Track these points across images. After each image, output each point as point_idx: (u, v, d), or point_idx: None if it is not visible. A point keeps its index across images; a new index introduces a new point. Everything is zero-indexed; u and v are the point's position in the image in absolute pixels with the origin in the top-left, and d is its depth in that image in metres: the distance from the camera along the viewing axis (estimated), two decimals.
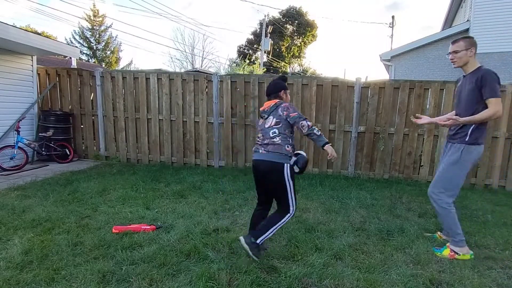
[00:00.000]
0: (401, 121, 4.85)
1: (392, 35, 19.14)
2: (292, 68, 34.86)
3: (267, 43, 21.19)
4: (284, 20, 32.18)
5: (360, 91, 4.89)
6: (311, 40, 34.73)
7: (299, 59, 35.53)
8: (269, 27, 23.36)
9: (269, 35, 22.40)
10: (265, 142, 2.19)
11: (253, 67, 18.32)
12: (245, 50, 32.95)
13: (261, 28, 31.54)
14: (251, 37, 33.90)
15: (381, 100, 4.89)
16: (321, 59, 51.56)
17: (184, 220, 2.95)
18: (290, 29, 32.62)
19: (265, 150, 2.17)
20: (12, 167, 4.83)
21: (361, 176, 5.05)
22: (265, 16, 22.50)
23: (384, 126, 4.91)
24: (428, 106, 4.80)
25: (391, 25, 19.12)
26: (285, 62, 32.42)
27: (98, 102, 5.59)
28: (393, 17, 41.67)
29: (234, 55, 34.02)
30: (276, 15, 32.22)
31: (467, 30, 9.55)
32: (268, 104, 2.29)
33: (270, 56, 25.81)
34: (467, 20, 9.72)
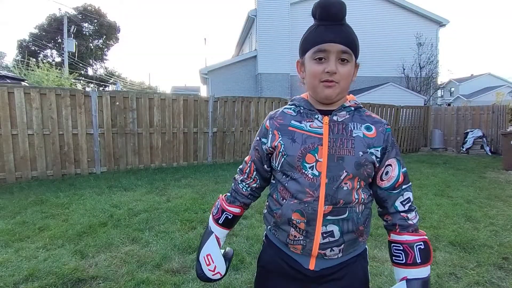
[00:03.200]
0: (238, 123, 7.40)
1: (206, 53, 22.56)
2: (95, 71, 32.39)
3: (71, 43, 19.30)
4: (81, 18, 29.33)
5: (213, 104, 7.04)
6: (114, 42, 33.55)
7: (101, 62, 33.42)
8: (73, 27, 21.16)
9: (72, 35, 20.35)
10: None
11: (58, 74, 16.00)
12: (31, 47, 27.55)
13: (50, 23, 27.42)
14: (36, 31, 28.67)
15: (225, 109, 7.24)
16: (126, 62, 49.98)
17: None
18: (91, 29, 30.19)
19: None
20: None
21: (217, 162, 7.24)
22: (65, 13, 20.13)
23: (229, 127, 7.30)
24: (252, 113, 7.60)
25: (205, 43, 22.45)
26: (87, 64, 29.78)
27: None
28: (205, 39, 46.74)
29: (13, 50, 27.52)
30: (71, 11, 28.88)
31: (255, 56, 13.76)
32: None
33: (76, 58, 23.24)
34: (255, 49, 13.97)
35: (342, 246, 0.87)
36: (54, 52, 30.01)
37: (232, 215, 1.04)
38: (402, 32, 14.55)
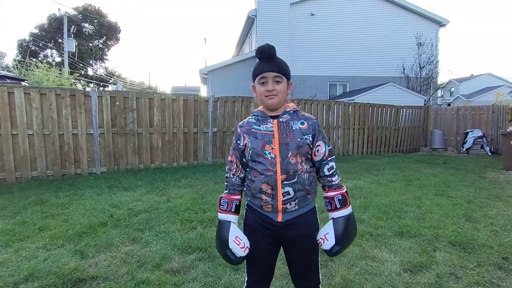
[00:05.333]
0: (238, 123, 7.39)
1: (206, 53, 22.56)
2: (95, 71, 32.39)
3: (71, 44, 19.30)
4: (81, 18, 29.33)
5: (213, 104, 7.04)
6: (114, 42, 33.55)
7: (101, 62, 33.43)
8: (73, 27, 21.15)
9: (72, 35, 20.35)
10: None
11: (58, 74, 16.10)
12: (31, 47, 27.55)
13: (50, 23, 27.43)
14: (37, 31, 28.67)
15: (225, 109, 7.23)
16: (126, 62, 50.05)
17: None
18: (91, 29, 30.19)
19: None
20: None
21: (217, 162, 7.23)
22: (65, 13, 20.13)
23: (229, 127, 7.30)
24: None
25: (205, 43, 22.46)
26: (87, 64, 29.77)
27: None
28: (205, 39, 46.73)
29: (13, 50, 27.55)
30: (71, 11, 28.87)
31: (255, 56, 13.74)
32: None
33: (76, 58, 23.24)
34: (255, 49, 13.96)
35: (296, 200, 1.32)
36: (54, 52, 30.00)
37: (238, 202, 1.44)
38: (402, 32, 14.54)
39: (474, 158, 8.69)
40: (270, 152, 1.31)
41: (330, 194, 1.36)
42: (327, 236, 1.32)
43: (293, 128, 1.34)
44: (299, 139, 1.32)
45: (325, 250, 1.34)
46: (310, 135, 1.35)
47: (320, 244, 1.35)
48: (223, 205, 1.41)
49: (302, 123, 1.36)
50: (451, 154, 9.71)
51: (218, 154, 7.25)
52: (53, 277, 2.27)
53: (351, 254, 2.67)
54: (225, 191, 1.47)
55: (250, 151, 1.35)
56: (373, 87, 12.46)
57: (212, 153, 7.19)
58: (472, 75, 42.99)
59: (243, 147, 1.39)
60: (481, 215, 3.67)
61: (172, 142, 6.67)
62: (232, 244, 1.33)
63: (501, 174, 6.33)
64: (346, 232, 1.33)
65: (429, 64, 13.85)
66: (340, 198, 1.35)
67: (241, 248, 1.34)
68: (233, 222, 1.39)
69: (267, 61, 1.33)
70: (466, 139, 9.86)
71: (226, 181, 1.48)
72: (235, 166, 1.45)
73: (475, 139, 9.65)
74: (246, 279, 1.49)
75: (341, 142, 8.93)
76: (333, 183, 1.38)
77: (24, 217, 3.52)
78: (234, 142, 1.44)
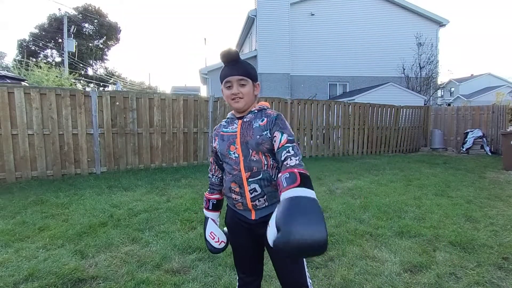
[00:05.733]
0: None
1: (206, 53, 22.59)
2: (95, 71, 32.40)
3: (71, 44, 19.30)
4: (81, 18, 29.34)
5: (213, 104, 7.03)
6: (114, 42, 33.55)
7: (101, 62, 33.43)
8: (73, 27, 21.15)
9: (72, 35, 20.35)
10: None
11: (58, 73, 16.11)
12: (31, 47, 27.56)
13: (50, 23, 27.44)
14: (37, 31, 28.69)
15: (225, 109, 7.23)
16: (126, 62, 50.09)
17: None
18: (91, 29, 30.19)
19: None
20: None
21: None
22: (65, 13, 20.12)
23: None
24: None
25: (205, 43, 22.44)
26: (87, 64, 29.78)
27: None
28: (205, 39, 46.76)
29: (13, 50, 27.58)
30: (71, 11, 28.89)
31: (255, 56, 13.75)
32: None
33: (76, 58, 23.24)
34: (255, 49, 13.96)
35: (265, 197, 1.32)
36: (54, 52, 29.99)
37: (216, 200, 1.56)
38: (402, 32, 14.55)
39: (474, 158, 8.69)
40: (234, 152, 1.35)
41: (279, 175, 1.10)
42: (270, 223, 1.04)
43: (254, 126, 1.34)
44: (258, 136, 1.32)
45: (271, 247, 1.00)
46: (268, 130, 1.32)
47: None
48: (204, 203, 1.59)
49: (262, 120, 1.35)
50: (451, 154, 9.71)
51: None
52: (53, 277, 2.27)
53: (351, 254, 2.68)
54: (208, 189, 1.60)
55: (219, 153, 1.42)
56: (373, 87, 12.47)
57: None
58: (472, 75, 42.99)
59: (215, 149, 1.46)
60: (481, 215, 3.67)
61: (172, 142, 6.68)
62: (208, 238, 1.51)
63: (501, 174, 6.33)
64: (290, 215, 0.92)
65: (429, 64, 13.85)
66: (287, 176, 1.06)
67: (216, 242, 1.50)
68: (211, 219, 1.54)
69: (231, 65, 1.35)
70: (466, 139, 9.86)
71: (208, 181, 1.60)
72: (213, 167, 1.55)
73: (475, 139, 9.65)
74: (237, 277, 1.57)
75: (341, 142, 8.93)
76: (288, 165, 1.13)
77: (24, 217, 3.52)
78: (211, 145, 1.54)
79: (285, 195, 1.01)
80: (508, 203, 4.21)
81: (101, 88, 27.84)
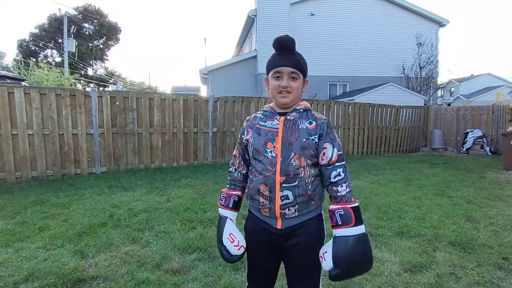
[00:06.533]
0: (238, 123, 7.40)
1: (206, 53, 22.57)
2: (95, 71, 32.41)
3: (71, 44, 19.30)
4: (81, 18, 29.34)
5: (213, 104, 7.03)
6: (115, 42, 33.56)
7: (101, 62, 33.44)
8: (73, 27, 21.16)
9: (72, 35, 20.35)
10: None
11: (59, 73, 16.12)
12: (31, 47, 27.57)
13: (50, 23, 27.44)
14: (37, 31, 28.69)
15: (225, 109, 7.23)
16: (126, 62, 50.19)
17: None
18: (91, 29, 30.19)
19: None
20: None
21: (217, 162, 7.23)
22: (65, 13, 20.13)
23: (229, 127, 7.30)
24: (252, 113, 7.60)
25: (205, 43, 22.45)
26: (87, 64, 29.79)
27: None
28: (205, 39, 46.73)
29: (13, 50, 27.61)
30: (71, 11, 28.89)
31: (255, 56, 13.76)
32: None
33: (76, 58, 23.25)
34: (255, 49, 13.96)
35: (297, 206, 1.19)
36: (54, 52, 30.01)
37: (237, 197, 1.38)
38: (402, 32, 14.55)
39: (474, 158, 8.69)
40: (271, 151, 1.21)
41: (332, 207, 1.18)
42: (325, 256, 1.15)
43: (299, 127, 1.22)
44: (304, 140, 1.20)
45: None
46: (316, 136, 1.21)
47: (321, 262, 1.18)
48: (222, 200, 1.37)
49: (310, 123, 1.24)
50: (451, 154, 9.71)
51: (218, 154, 7.25)
52: (53, 277, 2.26)
53: None
54: (226, 185, 1.41)
55: (252, 148, 1.27)
56: (373, 87, 12.47)
57: (212, 153, 7.19)
58: (472, 75, 43.00)
59: (246, 142, 1.31)
60: (481, 215, 3.67)
61: (172, 142, 6.68)
62: (225, 241, 1.28)
63: (501, 174, 6.33)
64: (348, 256, 1.10)
65: (429, 64, 13.85)
66: (341, 213, 1.14)
67: (235, 246, 1.27)
68: (230, 219, 1.33)
69: (285, 54, 1.22)
70: (466, 139, 9.86)
71: (229, 176, 1.42)
72: (238, 161, 1.39)
73: (475, 139, 9.65)
74: (246, 285, 1.43)
75: (341, 142, 8.92)
76: (338, 194, 1.18)
77: (24, 217, 3.52)
78: (240, 136, 1.37)
79: (340, 233, 1.13)
80: (508, 203, 4.21)
81: (101, 88, 27.86)
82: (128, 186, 4.95)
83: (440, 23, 15.32)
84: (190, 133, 6.85)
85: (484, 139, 9.59)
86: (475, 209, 3.92)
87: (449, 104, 30.72)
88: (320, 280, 1.30)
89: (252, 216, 1.33)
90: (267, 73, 1.27)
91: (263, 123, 1.28)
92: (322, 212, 1.31)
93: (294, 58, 1.22)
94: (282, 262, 1.36)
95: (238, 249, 1.27)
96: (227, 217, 1.33)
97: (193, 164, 6.94)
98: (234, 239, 1.28)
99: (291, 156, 1.19)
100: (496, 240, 2.95)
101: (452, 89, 41.33)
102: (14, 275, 2.29)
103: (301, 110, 1.27)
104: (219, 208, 1.38)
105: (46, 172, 5.52)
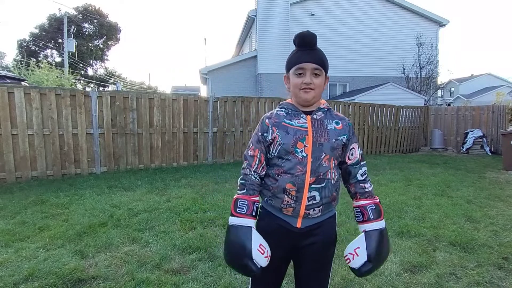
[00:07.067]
0: (238, 123, 7.39)
1: (206, 53, 22.61)
2: (95, 71, 32.41)
3: (71, 44, 19.29)
4: (81, 17, 29.33)
5: (213, 104, 7.03)
6: (115, 42, 33.56)
7: (101, 62, 33.44)
8: (73, 27, 21.16)
9: (72, 35, 20.35)
10: None
11: (59, 74, 16.13)
12: (31, 47, 27.57)
13: (50, 23, 27.44)
14: (37, 31, 28.69)
15: (225, 109, 7.23)
16: (126, 62, 50.24)
17: None
18: (91, 29, 30.19)
19: None
20: None
21: (217, 162, 7.23)
22: (65, 13, 20.13)
23: (229, 127, 7.30)
24: (252, 113, 7.59)
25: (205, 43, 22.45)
26: (87, 64, 29.78)
27: None
28: (205, 39, 46.74)
29: (13, 50, 27.62)
30: (71, 11, 28.88)
31: (255, 56, 13.75)
32: None
33: (76, 58, 23.25)
34: (255, 49, 13.96)
35: (321, 207, 1.20)
36: (54, 52, 30.01)
37: (259, 203, 1.27)
38: (402, 32, 14.54)
39: (474, 158, 8.69)
40: (302, 151, 1.17)
41: (362, 202, 1.23)
42: (357, 251, 1.16)
43: (328, 128, 1.22)
44: (334, 140, 1.20)
45: (352, 269, 1.18)
46: (345, 137, 1.23)
47: (347, 261, 1.19)
48: (242, 208, 1.18)
49: (337, 123, 1.24)
50: (451, 154, 9.71)
51: (218, 154, 7.25)
52: (53, 277, 2.26)
53: None
54: (241, 191, 1.23)
55: (279, 147, 1.19)
56: (373, 87, 12.46)
57: (212, 153, 7.19)
58: (472, 75, 42.98)
59: (271, 140, 1.22)
60: (481, 215, 3.67)
61: (172, 142, 6.68)
62: (256, 254, 1.12)
63: (501, 174, 6.33)
64: (380, 249, 1.16)
65: (429, 64, 13.85)
66: (373, 208, 1.22)
67: (265, 257, 1.15)
68: (254, 228, 1.18)
69: (307, 50, 1.20)
70: (466, 139, 9.86)
71: (243, 179, 1.24)
72: (257, 162, 1.23)
73: (475, 139, 9.65)
74: (250, 286, 1.35)
75: None
76: (366, 190, 1.26)
77: (24, 217, 3.52)
78: (260, 134, 1.25)
79: (373, 226, 1.20)
80: (508, 203, 4.21)
81: (101, 88, 27.86)
82: (128, 186, 4.95)
83: (440, 23, 15.31)
84: (190, 133, 6.85)
85: (484, 139, 9.59)
86: (475, 209, 3.92)
87: (449, 104, 30.73)
88: (330, 275, 1.32)
89: (268, 216, 1.26)
90: (287, 70, 1.24)
91: (288, 121, 1.23)
92: (336, 211, 1.34)
93: (317, 54, 1.21)
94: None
95: (267, 260, 1.16)
96: (251, 227, 1.16)
97: (193, 164, 6.94)
98: (264, 250, 1.15)
99: (322, 157, 1.18)
100: (496, 240, 2.95)
101: (452, 89, 41.32)
102: (14, 275, 2.29)
103: (325, 109, 1.27)
104: (236, 217, 1.18)
105: (46, 172, 5.52)
